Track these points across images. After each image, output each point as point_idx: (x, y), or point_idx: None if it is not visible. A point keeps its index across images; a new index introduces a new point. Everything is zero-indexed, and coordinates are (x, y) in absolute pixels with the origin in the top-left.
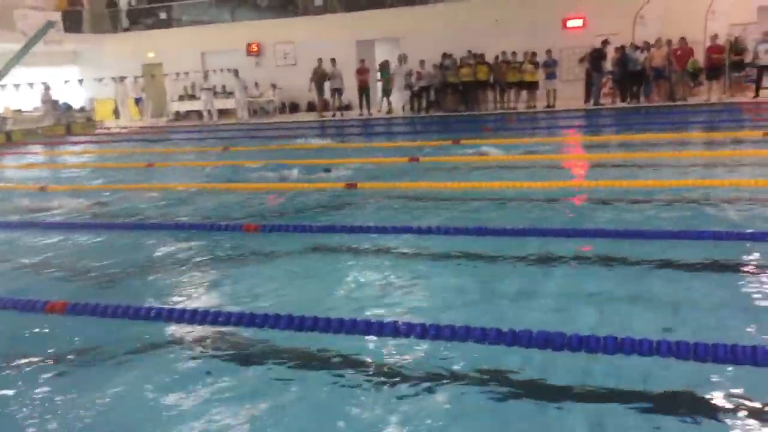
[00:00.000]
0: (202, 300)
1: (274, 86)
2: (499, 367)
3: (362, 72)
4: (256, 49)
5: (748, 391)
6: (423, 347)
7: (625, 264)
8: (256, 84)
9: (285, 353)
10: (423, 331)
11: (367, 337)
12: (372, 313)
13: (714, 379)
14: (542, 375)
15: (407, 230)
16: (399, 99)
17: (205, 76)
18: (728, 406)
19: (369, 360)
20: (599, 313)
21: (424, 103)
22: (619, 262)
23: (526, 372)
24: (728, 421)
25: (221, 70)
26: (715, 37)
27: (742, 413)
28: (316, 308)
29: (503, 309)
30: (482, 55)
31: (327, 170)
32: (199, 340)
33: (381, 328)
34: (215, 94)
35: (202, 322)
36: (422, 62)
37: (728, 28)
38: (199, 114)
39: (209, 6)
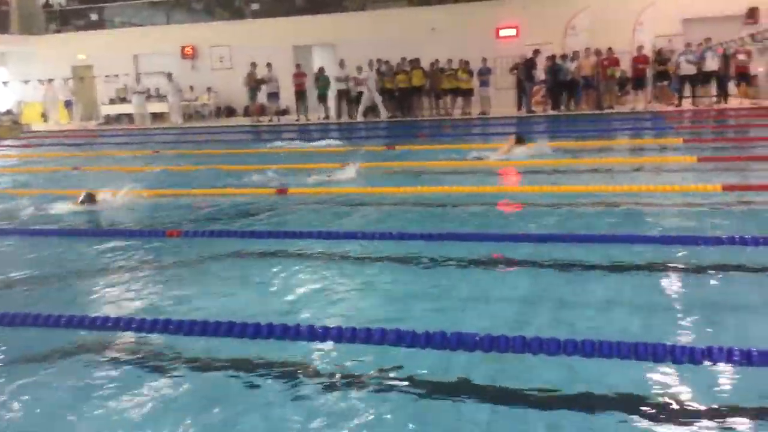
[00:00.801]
0: (121, 307)
1: (209, 90)
2: (423, 369)
3: (299, 77)
4: (191, 52)
5: (640, 386)
6: (349, 351)
7: (545, 267)
8: (192, 87)
9: (207, 360)
10: (353, 335)
11: (294, 342)
12: (299, 317)
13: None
14: (466, 376)
15: (336, 235)
16: (335, 104)
17: (138, 79)
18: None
19: (295, 365)
20: (515, 314)
21: (361, 109)
22: (541, 265)
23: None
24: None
25: (155, 73)
26: (640, 47)
27: (633, 408)
28: (241, 314)
29: (434, 312)
30: (418, 62)
31: (329, 175)
32: (119, 348)
33: (300, 333)
34: (148, 97)
35: (121, 329)
36: (359, 68)
37: (654, 39)
38: (130, 118)
39: (143, 7)
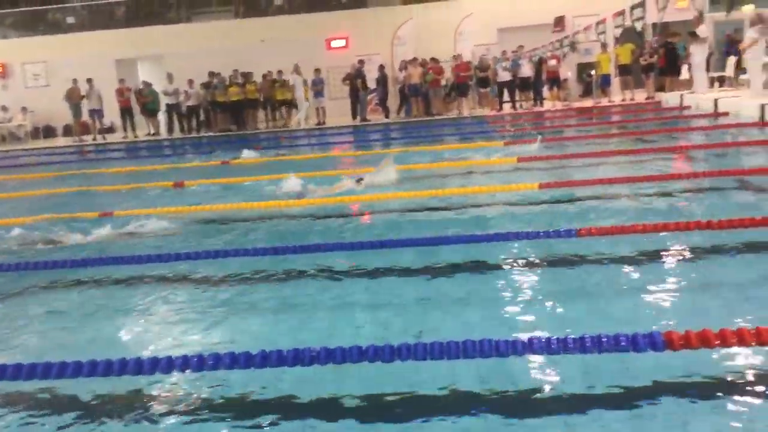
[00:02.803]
0: None
1: (24, 109)
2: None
3: (123, 92)
4: (1, 69)
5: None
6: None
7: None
8: (4, 107)
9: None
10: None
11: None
12: (123, 350)
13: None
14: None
15: (167, 258)
16: (165, 119)
17: None
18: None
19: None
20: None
21: (193, 124)
22: (372, 272)
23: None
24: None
25: None
26: (460, 56)
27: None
28: (63, 352)
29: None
30: (250, 74)
31: (359, 180)
32: None
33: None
34: None
35: None
36: (190, 81)
37: (473, 48)
38: None
39: None
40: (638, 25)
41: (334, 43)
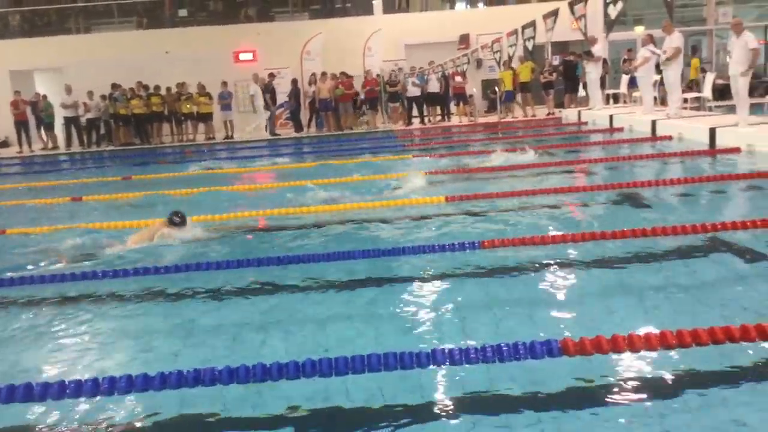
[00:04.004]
0: None
1: None
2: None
3: (18, 104)
4: None
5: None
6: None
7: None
8: None
9: None
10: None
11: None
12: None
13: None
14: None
15: (61, 278)
16: (63, 133)
17: None
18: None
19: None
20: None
21: (93, 137)
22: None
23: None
24: None
25: None
26: (370, 72)
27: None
28: None
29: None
30: (156, 87)
31: (394, 187)
32: None
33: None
34: None
35: None
36: (90, 93)
37: (382, 63)
38: None
39: None
40: (529, 45)
41: (242, 56)
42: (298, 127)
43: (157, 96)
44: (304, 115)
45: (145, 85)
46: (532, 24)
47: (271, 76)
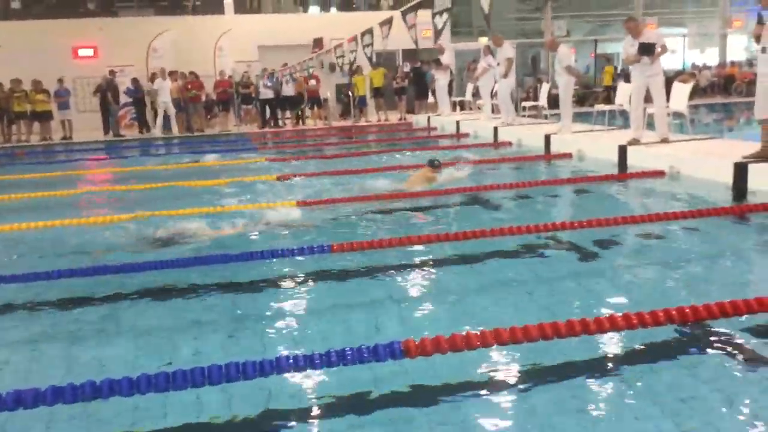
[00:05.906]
0: None
1: None
2: None
3: None
4: None
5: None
6: None
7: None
8: None
9: None
10: None
11: None
12: None
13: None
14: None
15: None
16: None
17: None
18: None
19: None
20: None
21: None
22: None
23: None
24: None
25: None
26: (222, 72)
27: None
28: None
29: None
30: None
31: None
32: None
33: None
34: None
35: None
36: None
37: (234, 64)
38: None
39: None
40: (368, 51)
41: (82, 52)
42: (144, 128)
43: None
44: (151, 116)
45: None
46: (370, 31)
47: (112, 73)
